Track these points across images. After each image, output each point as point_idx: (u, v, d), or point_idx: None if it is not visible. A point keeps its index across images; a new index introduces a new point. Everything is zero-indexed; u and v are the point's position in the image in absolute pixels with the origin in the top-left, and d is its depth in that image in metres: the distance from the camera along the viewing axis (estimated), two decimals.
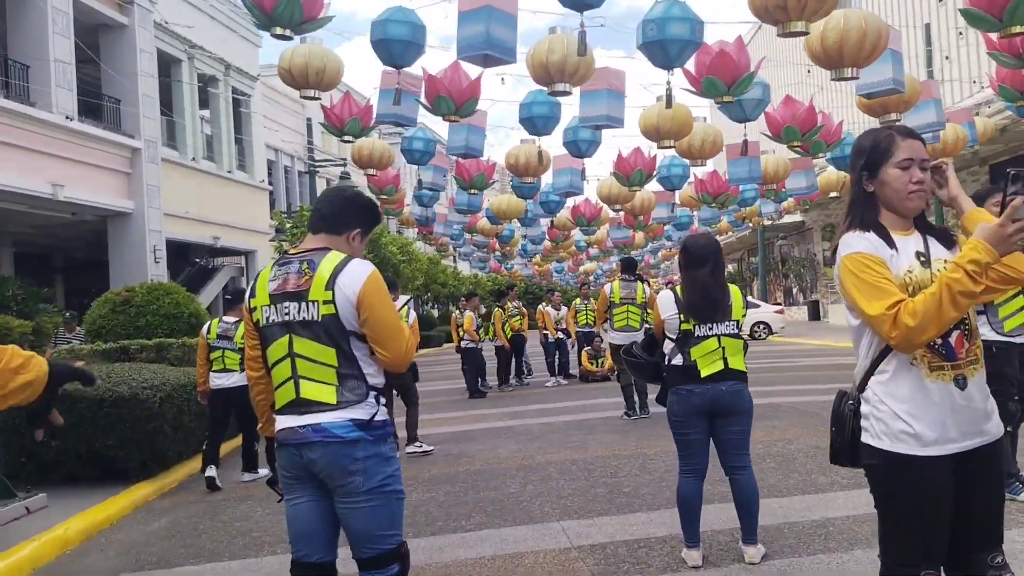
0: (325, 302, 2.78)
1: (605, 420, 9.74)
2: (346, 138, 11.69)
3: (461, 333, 14.07)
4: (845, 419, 2.37)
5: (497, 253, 30.48)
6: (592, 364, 15.12)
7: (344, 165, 21.53)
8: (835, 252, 2.46)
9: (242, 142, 30.10)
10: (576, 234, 24.45)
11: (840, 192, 17.26)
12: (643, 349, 4.53)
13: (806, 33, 6.39)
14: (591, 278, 41.52)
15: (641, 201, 16.04)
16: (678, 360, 4.19)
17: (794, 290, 44.78)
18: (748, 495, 4.17)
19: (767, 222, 30.37)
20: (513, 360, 15.31)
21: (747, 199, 17.13)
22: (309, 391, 2.79)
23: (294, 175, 34.22)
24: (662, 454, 7.22)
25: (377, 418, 2.81)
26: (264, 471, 7.64)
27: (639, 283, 10.18)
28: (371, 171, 13.83)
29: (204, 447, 7.51)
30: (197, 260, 29.20)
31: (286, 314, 2.84)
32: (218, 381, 7.51)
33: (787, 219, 36.61)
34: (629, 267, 10.45)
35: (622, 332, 9.83)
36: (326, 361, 2.79)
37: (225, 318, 7.84)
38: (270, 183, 33.62)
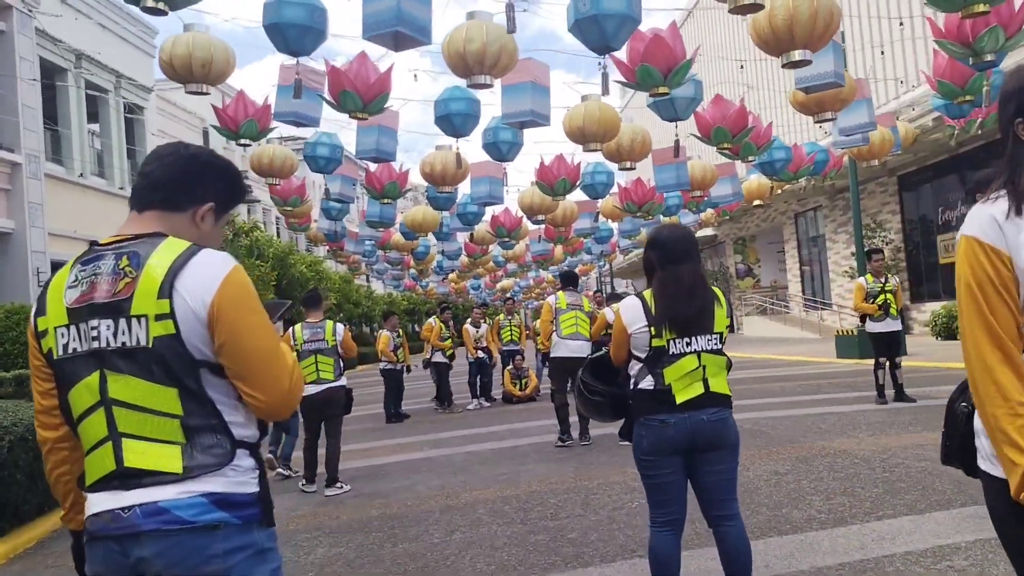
0: (159, 317, 1.80)
1: (536, 447, 8.83)
2: (242, 142, 10.54)
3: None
4: (958, 419, 2.00)
5: (412, 271, 29.44)
6: (515, 385, 14.23)
7: (245, 176, 20.17)
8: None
9: (135, 157, 28.28)
10: (494, 249, 23.65)
11: (764, 200, 16.94)
12: (595, 377, 3.64)
13: (761, 7, 5.69)
14: (508, 295, 40.82)
15: (563, 211, 15.31)
16: (647, 383, 3.31)
17: None
18: (739, 551, 3.31)
19: (705, 231, 30.25)
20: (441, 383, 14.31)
21: (671, 207, 16.61)
22: (137, 456, 1.80)
23: None
24: (605, 487, 6.36)
25: (245, 490, 1.84)
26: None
27: (584, 297, 9.45)
28: (273, 180, 12.66)
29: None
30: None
31: (94, 338, 1.84)
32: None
33: (699, 233, 36.83)
34: (572, 280, 9.69)
35: (572, 340, 9.00)
36: (163, 408, 1.80)
37: (309, 320, 7.84)
38: None
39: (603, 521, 5.35)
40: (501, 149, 11.02)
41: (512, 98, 9.19)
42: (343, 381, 7.76)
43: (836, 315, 30.52)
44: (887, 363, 9.93)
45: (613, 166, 14.43)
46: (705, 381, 3.29)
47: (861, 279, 10.88)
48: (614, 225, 19.84)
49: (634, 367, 3.39)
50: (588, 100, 10.24)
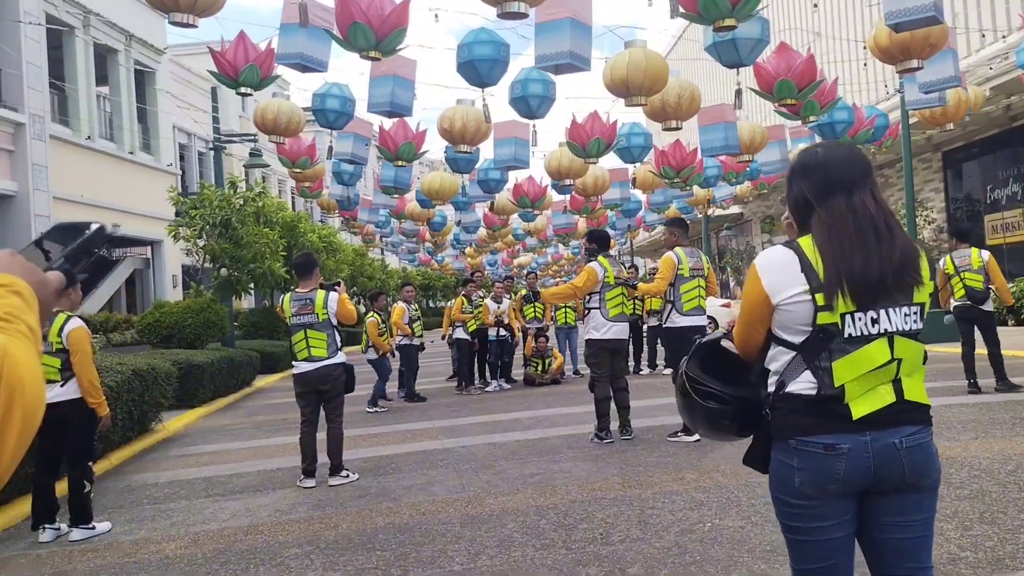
0: None
1: (569, 440, 7.70)
2: (242, 90, 9.41)
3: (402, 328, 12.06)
4: None
5: (428, 244, 28.34)
6: (536, 367, 13.09)
7: (255, 140, 19.07)
8: None
9: (146, 121, 27.23)
10: (514, 221, 22.48)
11: None
12: (707, 371, 2.47)
13: None
14: (525, 272, 39.64)
15: (594, 179, 14.10)
16: (803, 385, 2.14)
17: (731, 284, 43.68)
18: None
19: (718, 211, 28.91)
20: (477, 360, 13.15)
21: (710, 177, 15.36)
22: None
23: (209, 160, 31.34)
24: (663, 499, 5.22)
25: None
26: (103, 525, 5.45)
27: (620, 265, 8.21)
28: (278, 139, 11.52)
29: None
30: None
31: None
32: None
33: (723, 212, 35.42)
34: (605, 242, 8.35)
35: (619, 323, 7.70)
36: None
37: (299, 290, 6.77)
38: (182, 168, 30.74)
39: (671, 549, 4.20)
40: (530, 104, 9.83)
41: (547, 38, 7.99)
42: (340, 358, 6.67)
43: None
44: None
45: (651, 127, 13.24)
46: (898, 383, 2.12)
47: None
48: (643, 196, 18.59)
49: (779, 357, 2.22)
50: (632, 47, 9.02)
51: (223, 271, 15.69)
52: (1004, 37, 19.10)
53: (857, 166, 2.20)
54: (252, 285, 16.76)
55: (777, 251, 2.23)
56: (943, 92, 9.97)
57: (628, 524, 4.70)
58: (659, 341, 13.13)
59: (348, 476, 6.62)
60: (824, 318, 2.09)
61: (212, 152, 19.74)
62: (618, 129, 11.64)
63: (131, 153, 25.33)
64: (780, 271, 2.17)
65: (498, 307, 12.81)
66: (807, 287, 2.11)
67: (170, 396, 10.32)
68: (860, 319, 2.08)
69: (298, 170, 13.87)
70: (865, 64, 22.08)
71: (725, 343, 2.60)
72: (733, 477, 5.63)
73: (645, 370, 13.78)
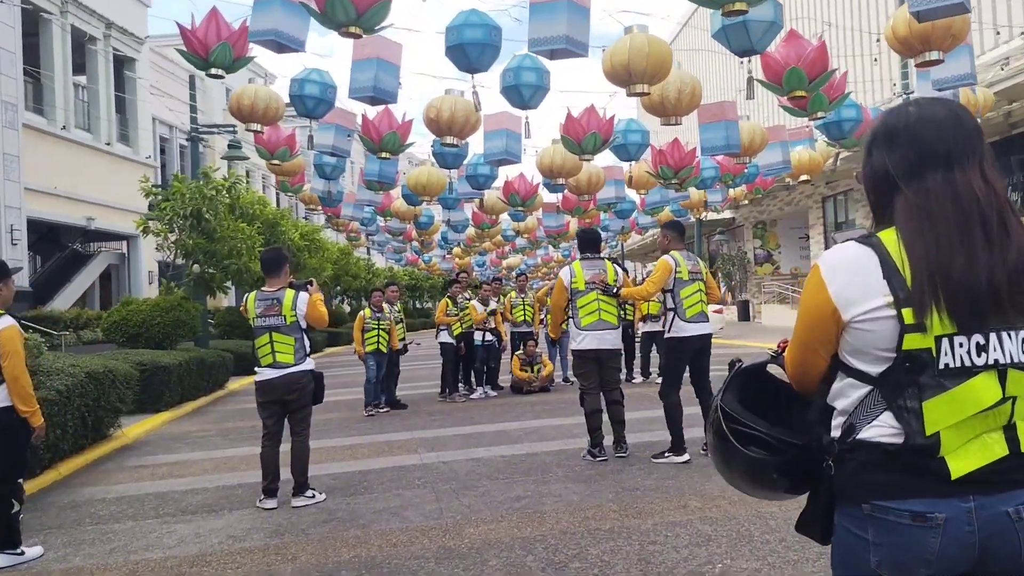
0: None
1: (559, 457, 7.06)
2: (213, 71, 8.76)
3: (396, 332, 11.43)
4: None
5: (414, 243, 27.68)
6: (525, 372, 12.45)
7: (234, 132, 18.33)
8: None
9: (125, 112, 26.46)
10: (504, 221, 21.84)
11: (813, 175, 15.09)
12: (747, 405, 1.86)
13: None
14: (513, 273, 38.98)
15: (588, 176, 13.47)
16: (884, 430, 1.53)
17: (722, 289, 43.21)
18: None
19: (711, 214, 28.37)
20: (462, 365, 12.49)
21: (707, 179, 14.78)
22: None
23: (190, 154, 30.57)
24: (665, 531, 4.59)
25: None
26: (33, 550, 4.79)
27: (609, 263, 7.39)
28: (256, 127, 10.84)
29: None
30: (69, 244, 25.51)
31: None
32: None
33: (716, 216, 34.89)
34: (592, 242, 7.65)
35: (593, 331, 7.06)
36: None
37: (265, 288, 6.12)
38: (162, 161, 29.97)
39: None
40: (523, 94, 9.20)
41: (543, 20, 7.37)
42: (308, 364, 6.01)
43: None
44: None
45: (649, 124, 12.65)
46: (1011, 430, 1.51)
47: None
48: (637, 197, 17.97)
49: (848, 393, 1.61)
50: (633, 33, 8.42)
51: (196, 267, 14.96)
52: (1023, 33, 18.52)
53: (962, 132, 1.60)
54: (229, 283, 16.02)
55: (849, 248, 1.61)
56: (956, 91, 9.41)
57: (627, 563, 4.07)
58: (653, 347, 12.54)
59: (314, 496, 5.96)
60: (913, 342, 1.49)
61: (201, 137, 18.97)
62: (615, 125, 11.04)
63: (108, 144, 24.58)
64: (853, 275, 1.56)
65: (485, 309, 12.17)
66: (890, 298, 1.50)
67: (130, 401, 9.62)
68: (961, 345, 1.48)
69: (277, 162, 13.16)
70: (876, 60, 21.57)
71: (772, 368, 1.99)
72: (742, 506, 5.02)
73: (638, 378, 13.17)
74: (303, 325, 6.00)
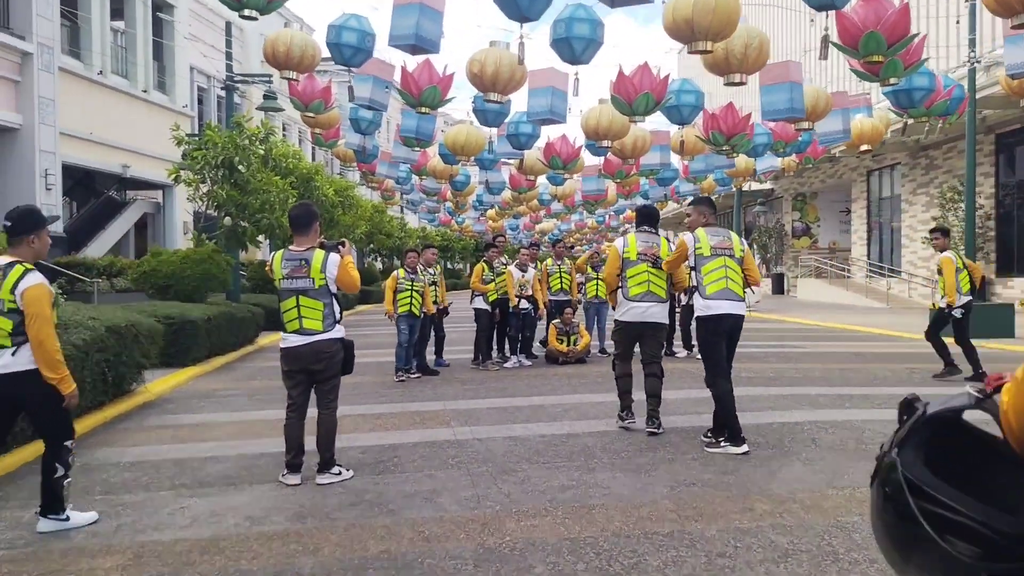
0: None
1: (603, 439, 6.57)
2: (246, 12, 8.27)
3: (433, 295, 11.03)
4: None
5: (448, 204, 27.18)
6: (562, 342, 11.96)
7: (270, 81, 17.85)
8: None
9: (162, 59, 26.04)
10: (541, 185, 21.23)
11: (873, 146, 14.29)
12: (937, 470, 1.31)
13: None
14: (546, 238, 38.31)
15: (634, 140, 12.84)
16: None
17: (757, 261, 42.24)
18: None
19: (755, 184, 27.52)
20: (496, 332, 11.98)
21: (758, 145, 14.05)
22: None
23: (229, 105, 30.13)
24: (732, 537, 4.09)
25: None
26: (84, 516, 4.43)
27: (664, 239, 7.02)
28: (291, 75, 10.34)
29: None
30: (104, 191, 25.31)
31: None
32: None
33: (756, 187, 33.87)
34: (650, 217, 7.19)
35: (639, 302, 6.71)
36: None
37: (293, 248, 5.59)
38: (200, 111, 29.60)
39: None
40: (574, 48, 8.61)
41: None
42: (338, 332, 5.53)
43: (905, 284, 27.85)
44: None
45: (704, 85, 11.97)
46: None
47: (950, 254, 9.72)
48: (680, 163, 17.25)
49: None
50: None
51: (227, 220, 14.58)
52: None
53: None
54: (261, 237, 15.63)
55: None
56: None
57: (692, 569, 3.59)
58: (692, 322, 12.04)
59: (340, 474, 5.54)
60: None
61: (239, 86, 18.49)
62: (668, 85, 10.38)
63: (144, 92, 24.20)
64: None
65: (523, 275, 11.65)
66: None
67: (154, 355, 9.29)
68: None
69: (311, 114, 12.69)
70: (958, 21, 20.45)
71: (972, 416, 1.42)
72: (817, 512, 4.50)
73: (681, 352, 12.62)
74: (333, 289, 5.52)
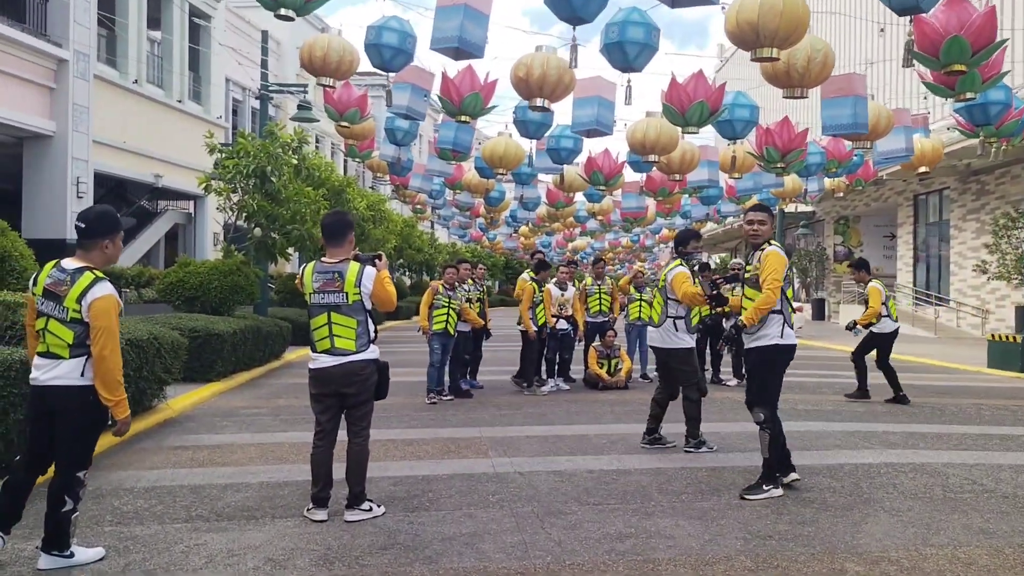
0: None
1: (656, 478, 5.97)
2: (283, 12, 7.87)
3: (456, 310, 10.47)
4: None
5: (480, 220, 26.75)
6: (602, 366, 11.37)
7: (305, 92, 17.57)
8: None
9: (198, 69, 25.99)
10: (578, 201, 20.66)
11: (931, 169, 13.58)
12: None
13: None
14: (578, 257, 37.74)
15: (682, 155, 12.25)
16: None
17: (796, 285, 41.27)
18: None
19: (797, 206, 26.74)
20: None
21: (811, 164, 13.41)
22: None
23: (260, 116, 30.05)
24: None
25: None
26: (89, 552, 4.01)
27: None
28: (327, 82, 9.95)
29: None
30: (136, 200, 25.23)
31: None
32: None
33: (797, 208, 33.03)
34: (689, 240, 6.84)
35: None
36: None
37: (325, 259, 5.11)
38: (234, 123, 29.53)
39: None
40: (627, 53, 8.09)
41: None
42: (372, 352, 5.01)
43: (954, 313, 26.87)
44: None
45: (760, 99, 11.39)
46: None
47: (877, 284, 10.59)
48: (730, 182, 16.61)
49: None
50: None
51: (258, 231, 14.20)
52: None
53: None
54: (291, 249, 15.24)
55: None
56: None
57: None
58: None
59: (371, 510, 5.00)
60: None
61: (273, 97, 18.20)
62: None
63: (179, 101, 24.12)
64: None
65: (562, 295, 11.10)
66: None
67: (177, 371, 8.84)
68: None
69: (345, 124, 12.26)
70: None
71: None
72: (917, 575, 3.88)
73: (732, 381, 11.93)
74: (368, 305, 5.01)
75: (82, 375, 4.02)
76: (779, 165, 11.82)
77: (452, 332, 10.04)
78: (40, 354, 4.11)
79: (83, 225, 4.11)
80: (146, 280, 19.39)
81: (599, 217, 22.53)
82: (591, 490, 5.57)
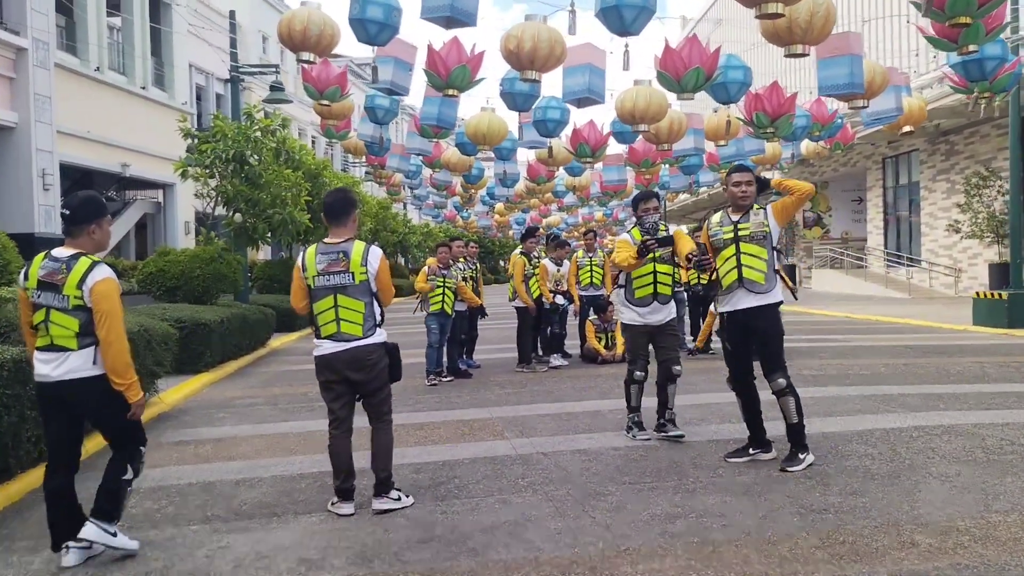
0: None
1: (686, 451, 5.80)
2: None
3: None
4: None
5: (456, 199, 26.40)
6: (600, 340, 11.19)
7: (276, 72, 17.06)
8: None
9: (161, 55, 25.21)
10: (559, 174, 20.39)
11: (916, 126, 13.52)
12: None
13: None
14: (552, 232, 37.51)
15: (670, 124, 12.04)
16: None
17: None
18: None
19: (767, 174, 26.68)
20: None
21: (797, 128, 13.25)
22: None
23: (227, 103, 29.27)
24: None
25: None
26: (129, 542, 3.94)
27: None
28: (307, 57, 9.54)
29: None
30: (103, 192, 24.50)
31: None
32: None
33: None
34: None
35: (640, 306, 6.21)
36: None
37: (328, 240, 4.89)
38: (198, 108, 28.75)
39: None
40: (624, 16, 7.81)
41: None
42: (379, 336, 4.76)
43: (926, 273, 27.12)
44: None
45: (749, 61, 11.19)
46: None
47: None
48: (711, 150, 16.43)
49: None
50: None
51: (237, 216, 13.77)
52: None
53: None
54: (270, 234, 14.83)
55: None
56: None
57: None
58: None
59: (400, 499, 4.76)
60: None
61: (229, 85, 17.62)
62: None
63: (143, 88, 23.38)
64: None
65: (558, 270, 10.88)
66: None
67: (168, 363, 8.50)
68: None
69: (326, 102, 11.86)
70: None
71: None
72: (996, 547, 3.73)
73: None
74: (374, 288, 4.76)
75: (94, 363, 3.93)
76: (769, 130, 11.66)
77: (450, 312, 9.78)
78: (43, 348, 3.97)
79: (68, 212, 4.04)
80: (119, 272, 18.77)
81: (578, 192, 22.32)
82: (623, 468, 5.37)
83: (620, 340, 11.26)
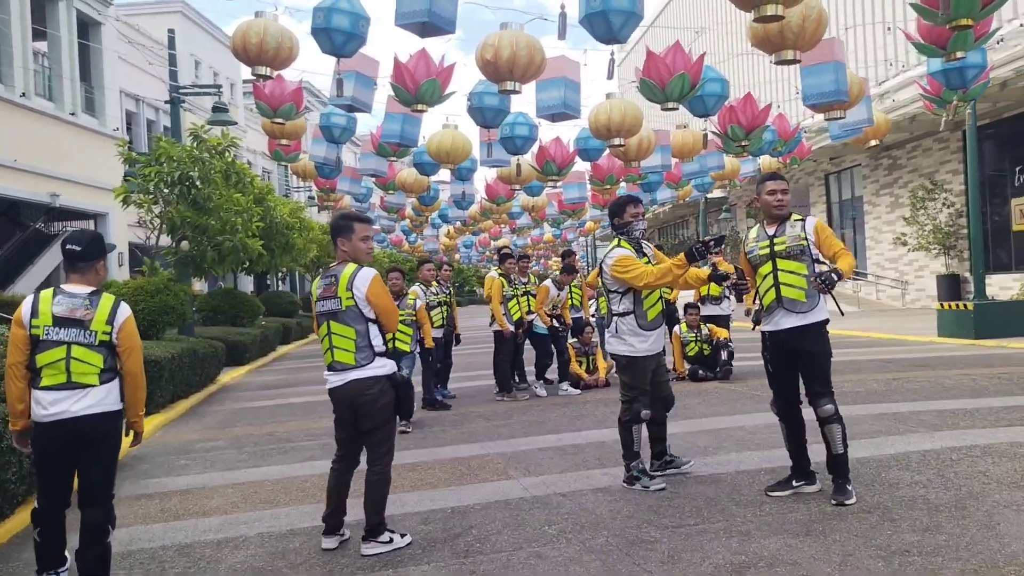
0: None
1: (714, 485, 5.31)
2: None
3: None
4: None
5: (405, 222, 25.79)
6: (581, 364, 10.69)
7: (219, 93, 16.25)
8: None
9: (90, 80, 24.06)
10: (517, 195, 19.94)
11: (880, 140, 13.46)
12: None
13: None
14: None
15: (639, 141, 11.69)
16: None
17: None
18: None
19: (721, 191, 26.80)
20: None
21: (767, 143, 13.07)
22: None
23: (159, 128, 28.11)
24: None
25: None
26: None
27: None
28: (264, 71, 8.92)
29: None
30: (31, 223, 23.16)
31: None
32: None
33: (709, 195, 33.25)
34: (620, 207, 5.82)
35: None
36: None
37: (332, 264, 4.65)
38: (129, 135, 27.56)
39: None
40: (612, 23, 7.42)
41: None
42: (379, 367, 4.36)
43: (873, 286, 27.49)
44: None
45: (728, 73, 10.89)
46: None
47: None
48: (677, 163, 16.14)
49: None
50: None
51: (184, 244, 12.90)
52: None
53: None
54: (219, 263, 13.97)
55: None
56: None
57: None
58: None
59: (391, 541, 4.33)
60: None
61: (169, 107, 16.69)
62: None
63: (72, 114, 22.24)
64: None
65: (558, 294, 10.43)
66: None
67: None
68: None
69: (280, 121, 11.16)
70: None
71: None
72: None
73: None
74: (368, 313, 4.30)
75: (119, 399, 4.01)
76: (742, 143, 11.40)
77: (406, 349, 8.96)
78: (53, 387, 3.87)
79: (79, 248, 4.07)
80: None
81: (533, 213, 21.93)
82: (657, 509, 4.84)
83: (602, 364, 10.79)
